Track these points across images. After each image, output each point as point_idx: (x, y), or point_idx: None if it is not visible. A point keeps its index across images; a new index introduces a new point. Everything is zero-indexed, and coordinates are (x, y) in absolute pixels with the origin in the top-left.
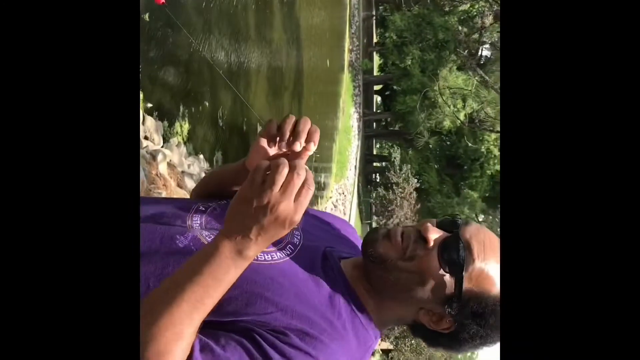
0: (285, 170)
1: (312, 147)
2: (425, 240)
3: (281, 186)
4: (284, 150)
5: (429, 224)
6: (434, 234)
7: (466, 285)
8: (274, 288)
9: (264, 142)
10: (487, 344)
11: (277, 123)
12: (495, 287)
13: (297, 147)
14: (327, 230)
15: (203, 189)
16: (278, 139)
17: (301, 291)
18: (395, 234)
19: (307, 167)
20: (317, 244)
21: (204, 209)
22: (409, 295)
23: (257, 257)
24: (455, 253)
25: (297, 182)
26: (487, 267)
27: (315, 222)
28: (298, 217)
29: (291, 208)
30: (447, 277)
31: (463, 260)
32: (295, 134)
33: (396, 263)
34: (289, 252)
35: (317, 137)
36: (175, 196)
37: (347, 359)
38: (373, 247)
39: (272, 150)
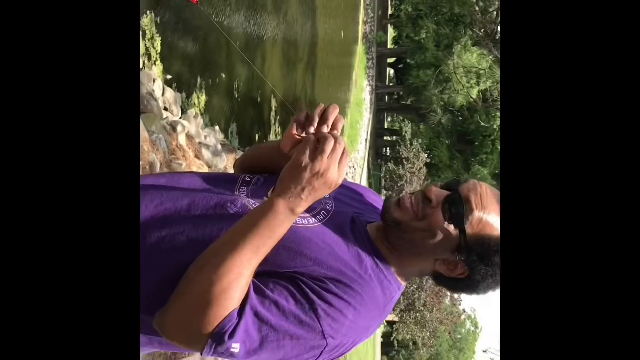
0: (331, 141)
1: (336, 134)
2: (429, 200)
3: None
4: (312, 132)
5: (432, 187)
6: (437, 193)
7: (469, 232)
8: (310, 246)
9: (294, 129)
10: (500, 282)
11: (307, 112)
12: (495, 230)
13: (324, 129)
14: (355, 198)
15: (244, 164)
16: (308, 124)
17: (333, 249)
18: (404, 201)
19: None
20: (346, 209)
21: (249, 179)
22: (424, 250)
23: (296, 221)
24: (456, 206)
25: (340, 150)
26: (485, 215)
27: (344, 191)
28: (341, 179)
29: (336, 172)
30: (452, 228)
31: (462, 212)
32: (322, 119)
33: (409, 224)
34: (322, 218)
35: (340, 125)
36: (193, 166)
37: (374, 305)
38: (388, 213)
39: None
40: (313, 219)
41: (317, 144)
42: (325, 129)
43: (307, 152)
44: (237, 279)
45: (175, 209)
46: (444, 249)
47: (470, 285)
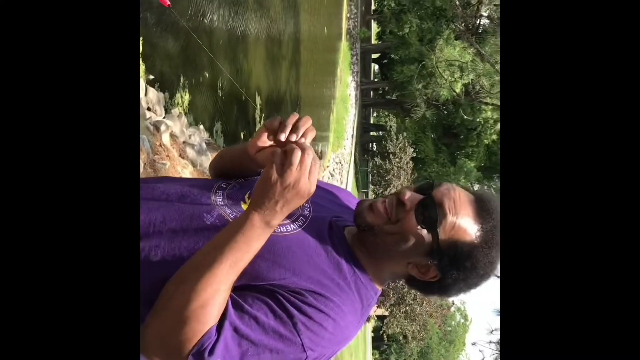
0: (299, 153)
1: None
2: (403, 203)
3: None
4: (282, 140)
5: (406, 190)
6: (409, 196)
7: (442, 237)
8: (289, 256)
9: (264, 134)
10: (470, 286)
11: (280, 119)
12: (467, 235)
13: (293, 138)
14: (333, 201)
15: (217, 168)
16: (279, 131)
17: (312, 259)
18: (377, 205)
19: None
20: (324, 214)
21: (224, 186)
22: (396, 253)
23: (275, 230)
24: (429, 211)
25: (308, 160)
26: (459, 220)
27: (322, 194)
28: (313, 188)
29: (307, 182)
30: (425, 232)
31: (436, 217)
32: (294, 127)
33: (382, 227)
34: (301, 224)
35: (311, 136)
36: (177, 165)
37: (352, 315)
38: (361, 217)
39: (270, 142)
40: (292, 225)
41: (285, 157)
42: (294, 138)
43: (274, 167)
44: (215, 295)
45: (150, 221)
46: (416, 253)
47: (442, 288)
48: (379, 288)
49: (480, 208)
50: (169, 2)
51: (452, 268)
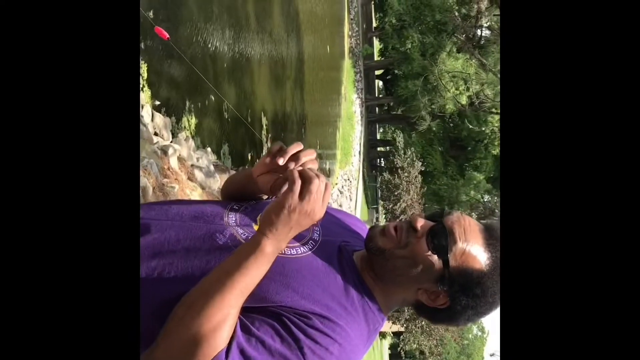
0: (317, 181)
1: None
2: (415, 229)
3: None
4: (280, 165)
5: (418, 217)
6: (422, 223)
7: (452, 264)
8: (299, 279)
9: (267, 159)
10: (479, 314)
11: (281, 145)
12: (477, 262)
13: (291, 165)
14: (342, 226)
15: (226, 192)
16: (279, 155)
17: (321, 282)
18: (389, 229)
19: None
20: (333, 238)
21: (237, 207)
22: (406, 278)
23: (285, 251)
24: (440, 237)
25: (323, 187)
26: (469, 247)
27: (332, 219)
28: (323, 213)
29: (321, 209)
30: (436, 258)
31: (447, 243)
32: (295, 156)
33: (393, 252)
34: (310, 247)
35: (314, 166)
36: (186, 188)
37: (359, 339)
38: (373, 242)
39: (271, 166)
40: (302, 248)
41: (303, 185)
42: (292, 166)
43: (295, 195)
44: (225, 318)
45: (164, 239)
46: (426, 279)
47: (451, 316)
48: (385, 315)
49: (490, 236)
50: (167, 35)
51: (462, 295)
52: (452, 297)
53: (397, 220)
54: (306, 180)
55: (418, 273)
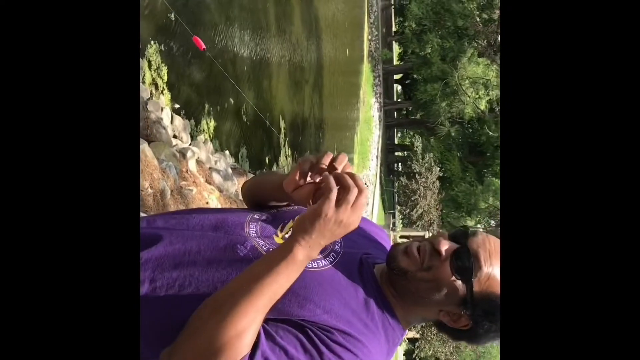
0: (356, 191)
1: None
2: (438, 252)
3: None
4: (317, 180)
5: (441, 238)
6: (446, 246)
7: (476, 288)
8: (320, 293)
9: (297, 173)
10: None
11: (311, 161)
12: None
13: (317, 179)
14: (364, 236)
15: (250, 194)
16: (314, 172)
17: (342, 296)
18: (412, 249)
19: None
20: (355, 250)
21: (258, 217)
22: (428, 301)
23: (307, 264)
24: (464, 262)
25: (361, 197)
26: (494, 271)
27: None
28: (358, 223)
29: (357, 220)
30: (459, 283)
31: (472, 268)
32: (330, 167)
33: (415, 274)
34: (332, 260)
35: (351, 171)
36: (204, 191)
37: (379, 355)
38: (395, 262)
39: (302, 180)
40: (323, 261)
41: (341, 192)
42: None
43: (331, 203)
44: (251, 324)
45: (185, 250)
46: (449, 302)
47: (473, 337)
48: (405, 329)
49: None
50: (204, 46)
51: (485, 319)
52: (475, 321)
53: (420, 237)
54: (344, 188)
55: (441, 297)
